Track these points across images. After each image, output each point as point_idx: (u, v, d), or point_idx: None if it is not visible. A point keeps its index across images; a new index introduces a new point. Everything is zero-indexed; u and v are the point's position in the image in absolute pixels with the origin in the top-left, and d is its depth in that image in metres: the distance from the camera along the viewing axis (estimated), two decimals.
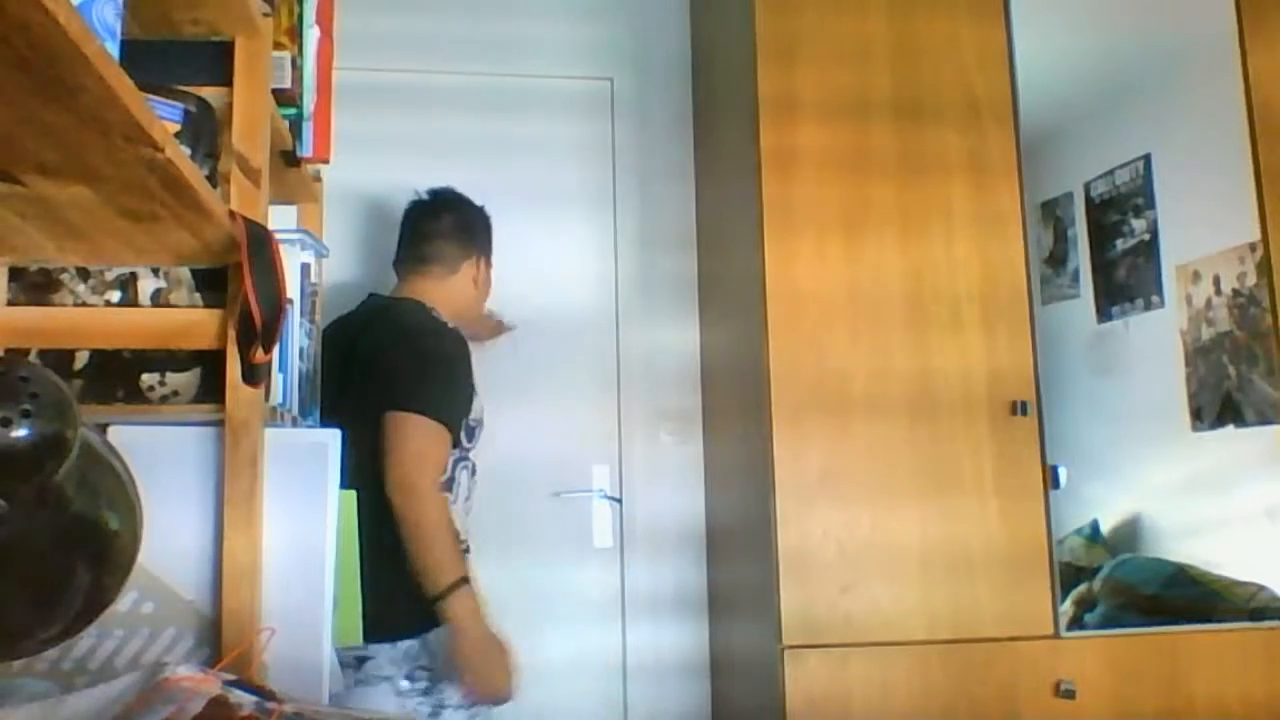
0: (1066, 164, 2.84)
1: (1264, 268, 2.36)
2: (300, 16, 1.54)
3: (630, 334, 2.75)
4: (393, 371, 1.80)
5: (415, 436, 1.74)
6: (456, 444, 1.86)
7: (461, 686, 1.75)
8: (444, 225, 2.02)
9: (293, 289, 1.37)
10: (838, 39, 2.25)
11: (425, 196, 2.08)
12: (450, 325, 1.93)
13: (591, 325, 2.74)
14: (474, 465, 1.97)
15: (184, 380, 1.21)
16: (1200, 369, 2.55)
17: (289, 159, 1.59)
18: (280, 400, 1.35)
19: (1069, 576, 2.32)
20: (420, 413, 1.75)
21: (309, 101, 1.60)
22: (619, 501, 2.68)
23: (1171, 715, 2.09)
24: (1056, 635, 2.11)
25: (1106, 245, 2.78)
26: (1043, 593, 2.11)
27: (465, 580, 1.75)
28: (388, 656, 1.77)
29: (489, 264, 2.08)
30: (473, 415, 1.92)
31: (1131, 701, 2.09)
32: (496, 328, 2.27)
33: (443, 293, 1.99)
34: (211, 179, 1.18)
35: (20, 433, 0.74)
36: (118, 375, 1.20)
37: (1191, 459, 2.62)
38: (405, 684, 1.78)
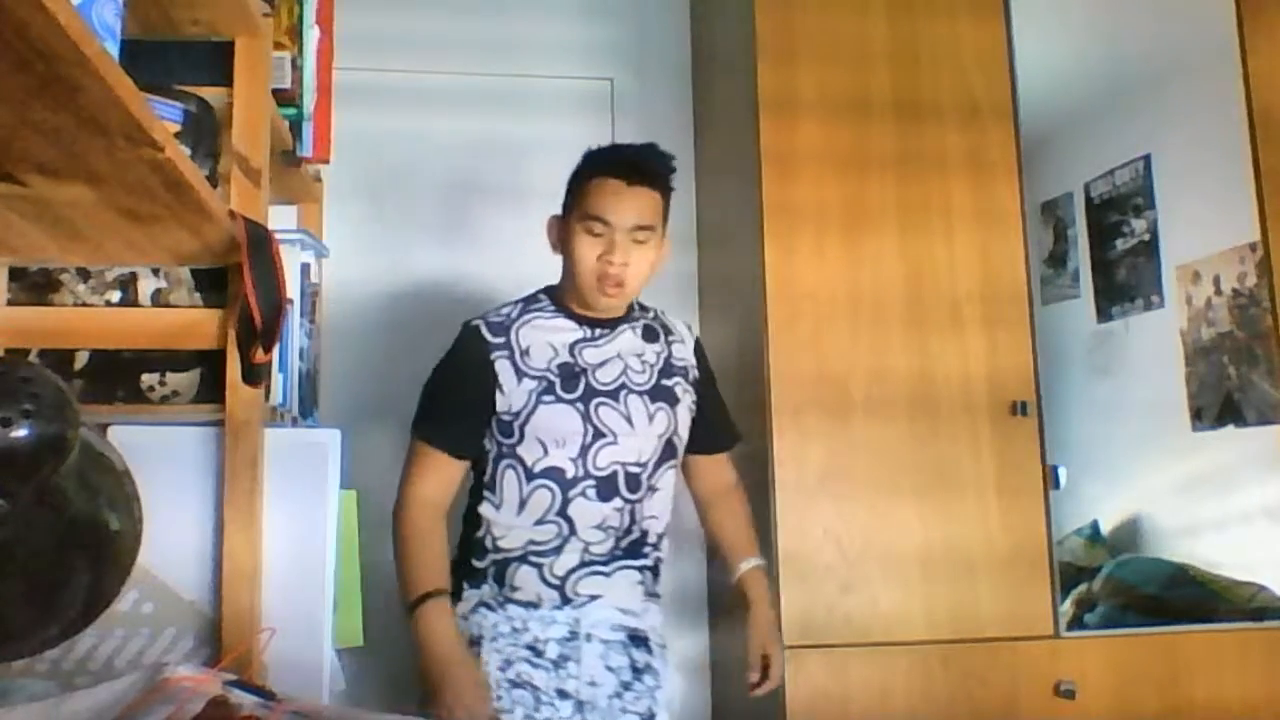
0: (1066, 164, 2.85)
1: (1264, 268, 2.36)
2: (300, 16, 1.54)
3: None
4: None
5: (408, 458, 1.72)
6: (465, 453, 1.71)
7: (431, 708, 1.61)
8: None
9: (293, 289, 1.37)
10: (837, 39, 2.24)
11: None
12: (473, 322, 1.74)
13: None
14: (525, 464, 1.71)
15: (184, 380, 1.21)
16: (1200, 369, 2.55)
17: (289, 159, 1.59)
18: (280, 400, 1.35)
19: (1069, 576, 2.32)
20: (414, 435, 1.72)
21: (309, 101, 1.60)
22: None
23: (1171, 715, 2.09)
24: (1056, 635, 2.10)
25: (1106, 245, 2.78)
26: (1043, 593, 2.11)
27: (435, 594, 1.61)
28: None
29: (565, 218, 1.85)
30: (501, 409, 1.70)
31: (1131, 702, 2.08)
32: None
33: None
34: (211, 179, 1.18)
35: (20, 433, 0.74)
36: (118, 375, 1.20)
37: (1191, 459, 2.62)
38: None
